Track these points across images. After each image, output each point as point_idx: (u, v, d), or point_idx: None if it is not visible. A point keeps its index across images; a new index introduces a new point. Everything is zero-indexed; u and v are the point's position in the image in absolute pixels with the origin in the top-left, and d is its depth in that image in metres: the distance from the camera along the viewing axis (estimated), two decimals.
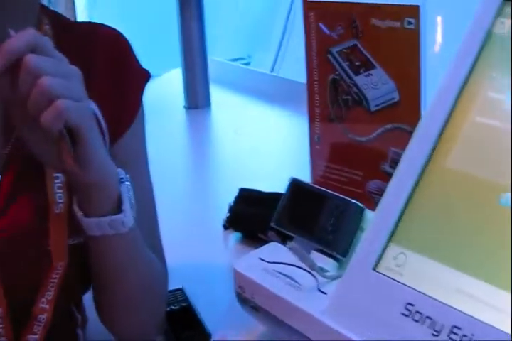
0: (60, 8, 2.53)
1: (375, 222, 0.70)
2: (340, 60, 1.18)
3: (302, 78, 2.10)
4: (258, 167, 1.59)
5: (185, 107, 2.10)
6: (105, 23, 0.92)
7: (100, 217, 0.75)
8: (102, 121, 0.82)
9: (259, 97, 2.15)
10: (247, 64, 3.63)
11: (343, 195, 0.81)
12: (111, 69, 0.89)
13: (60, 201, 0.80)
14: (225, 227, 1.24)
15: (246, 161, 1.65)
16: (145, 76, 0.93)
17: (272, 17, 3.64)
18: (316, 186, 0.83)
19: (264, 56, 3.65)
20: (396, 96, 1.13)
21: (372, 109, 1.17)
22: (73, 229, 0.80)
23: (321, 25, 1.21)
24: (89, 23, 0.92)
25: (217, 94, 2.14)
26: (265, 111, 2.03)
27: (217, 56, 2.52)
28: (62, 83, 0.66)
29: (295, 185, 0.83)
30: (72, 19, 0.93)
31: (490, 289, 0.62)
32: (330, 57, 1.19)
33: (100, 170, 0.73)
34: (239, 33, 3.82)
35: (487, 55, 0.71)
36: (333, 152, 1.26)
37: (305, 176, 1.28)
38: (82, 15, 2.68)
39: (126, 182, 0.77)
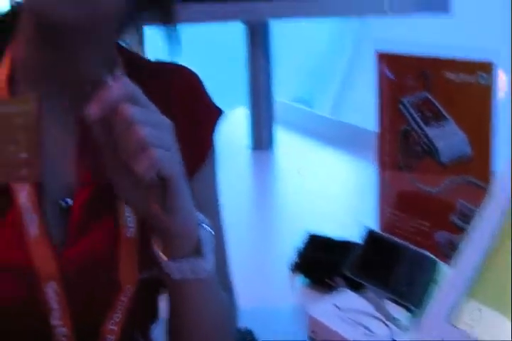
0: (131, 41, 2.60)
1: (452, 276, 0.72)
2: (411, 110, 1.21)
3: (363, 122, 2.14)
4: (322, 210, 1.61)
5: (249, 147, 2.14)
6: (177, 62, 0.94)
7: (181, 259, 0.77)
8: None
9: (322, 140, 2.18)
10: (308, 104, 3.67)
11: (410, 244, 0.83)
12: (185, 108, 0.91)
13: (131, 225, 0.83)
14: (292, 271, 1.26)
15: (309, 203, 1.68)
16: (217, 114, 0.94)
17: (334, 58, 3.68)
18: (391, 237, 0.85)
19: (325, 97, 3.69)
20: (467, 150, 1.14)
21: (443, 160, 1.18)
22: (145, 263, 0.82)
23: (392, 75, 1.24)
24: (163, 62, 0.94)
25: (280, 135, 2.17)
26: (328, 154, 2.06)
27: (279, 96, 2.57)
28: (155, 133, 0.69)
29: (371, 235, 0.85)
30: (144, 56, 0.97)
31: None
32: (401, 107, 1.22)
33: (186, 217, 0.75)
34: (301, 74, 3.87)
35: None
36: (401, 200, 1.27)
37: (371, 222, 1.30)
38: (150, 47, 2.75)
39: (205, 226, 0.78)
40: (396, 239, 0.84)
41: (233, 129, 2.25)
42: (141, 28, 0.90)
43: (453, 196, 1.18)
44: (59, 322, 0.80)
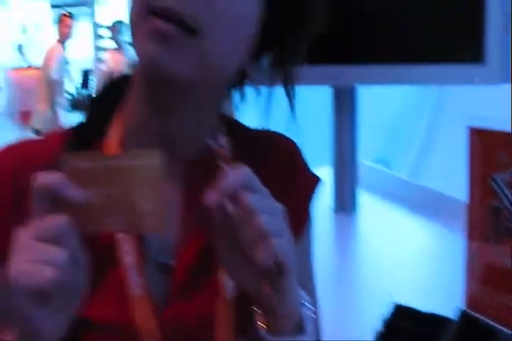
0: None
1: None
2: (503, 187, 1.22)
3: (443, 187, 2.15)
4: (402, 276, 1.62)
5: (332, 209, 2.16)
6: (278, 131, 0.97)
7: (282, 336, 0.78)
8: None
9: (403, 204, 2.20)
10: (388, 165, 3.69)
11: (498, 321, 0.84)
12: (284, 176, 0.93)
13: (230, 289, 0.84)
14: (379, 340, 1.28)
15: (390, 269, 1.69)
16: (315, 183, 0.96)
17: (413, 121, 3.70)
18: (486, 320, 0.86)
19: (404, 159, 3.71)
20: None
21: None
22: (241, 327, 0.84)
23: (484, 151, 1.25)
24: (262, 130, 0.96)
25: (362, 197, 2.19)
26: (408, 218, 2.07)
27: (360, 157, 2.60)
28: (272, 220, 0.72)
29: (465, 316, 0.86)
30: (242, 123, 0.99)
31: None
32: (493, 183, 1.23)
33: (292, 297, 0.77)
34: (380, 135, 3.90)
35: None
36: (489, 275, 1.28)
37: (456, 295, 1.31)
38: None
39: (307, 303, 0.80)
40: (491, 323, 0.85)
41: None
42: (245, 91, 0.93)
43: None
44: None
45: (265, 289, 0.75)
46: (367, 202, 2.21)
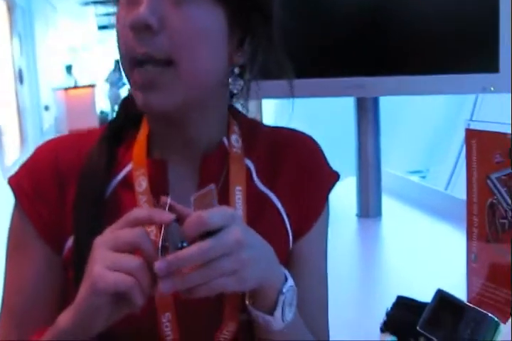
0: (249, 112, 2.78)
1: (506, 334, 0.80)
2: (498, 185, 1.29)
3: None
4: (418, 277, 1.68)
5: (357, 215, 2.24)
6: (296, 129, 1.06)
7: (258, 311, 0.88)
8: (287, 221, 0.98)
9: (431, 213, 2.25)
10: (424, 177, 3.73)
11: (497, 313, 0.91)
12: (301, 170, 1.02)
13: None
14: (382, 330, 1.35)
15: (409, 271, 1.75)
16: (334, 177, 1.05)
17: (452, 131, 3.73)
18: (459, 298, 0.94)
19: (441, 170, 3.74)
20: None
21: None
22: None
23: (481, 151, 1.33)
24: (279, 127, 1.06)
25: (389, 205, 2.26)
26: (434, 226, 2.13)
27: (395, 168, 2.65)
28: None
29: (441, 295, 0.94)
30: (260, 121, 1.09)
31: None
32: (489, 182, 1.31)
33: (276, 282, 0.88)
34: (418, 146, 3.94)
35: None
36: (488, 271, 1.34)
37: (461, 292, 1.37)
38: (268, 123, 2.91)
39: (286, 289, 0.88)
40: (462, 300, 0.93)
41: (345, 197, 2.35)
42: (248, 95, 1.03)
43: None
44: None
45: None
46: (394, 210, 2.28)
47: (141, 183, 0.95)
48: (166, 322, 0.92)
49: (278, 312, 0.88)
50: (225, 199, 0.96)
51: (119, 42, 0.90)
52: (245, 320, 0.93)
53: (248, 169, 1.00)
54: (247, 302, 0.89)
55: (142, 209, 0.83)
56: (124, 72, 0.91)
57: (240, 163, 0.99)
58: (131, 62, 0.88)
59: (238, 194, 0.97)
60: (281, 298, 0.87)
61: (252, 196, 0.98)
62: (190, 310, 0.92)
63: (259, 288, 0.85)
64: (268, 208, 0.99)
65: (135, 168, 0.97)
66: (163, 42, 0.86)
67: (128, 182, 0.97)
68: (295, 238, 1.01)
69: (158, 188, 0.95)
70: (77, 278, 0.84)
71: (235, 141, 1.00)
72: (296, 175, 1.01)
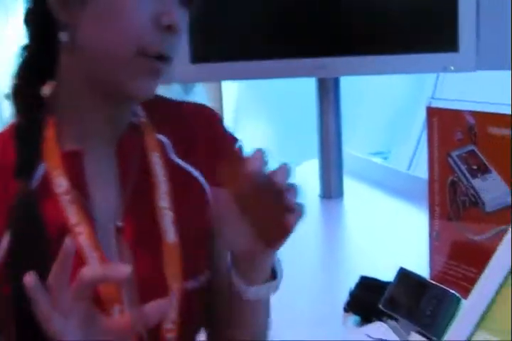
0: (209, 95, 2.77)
1: (466, 308, 0.80)
2: (459, 163, 1.29)
3: None
4: (381, 257, 1.68)
5: (319, 196, 2.23)
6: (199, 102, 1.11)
7: (261, 284, 0.92)
8: (207, 187, 1.00)
9: (393, 193, 2.25)
10: (386, 158, 3.73)
11: (460, 290, 0.91)
12: (210, 141, 1.04)
13: (171, 233, 0.96)
14: (345, 310, 1.35)
15: (372, 251, 1.75)
16: (235, 139, 1.08)
17: (413, 111, 3.73)
18: (420, 275, 0.94)
19: (403, 151, 3.75)
20: (509, 201, 1.21)
21: (487, 210, 1.26)
22: (190, 272, 0.95)
23: (442, 129, 1.33)
24: (184, 101, 1.10)
25: (351, 186, 2.26)
26: (396, 206, 2.13)
27: (356, 149, 2.65)
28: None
29: (402, 273, 0.94)
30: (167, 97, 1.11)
31: None
32: (450, 160, 1.30)
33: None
34: (380, 127, 3.94)
35: None
36: (450, 249, 1.35)
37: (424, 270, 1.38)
38: (229, 106, 2.90)
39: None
40: (424, 278, 0.93)
41: (307, 179, 2.35)
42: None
43: (497, 243, 1.24)
44: None
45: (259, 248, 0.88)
46: (356, 191, 2.28)
47: (61, 183, 0.94)
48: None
49: (280, 269, 0.94)
50: (145, 173, 0.97)
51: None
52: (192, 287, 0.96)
53: (162, 144, 1.01)
54: (241, 284, 0.92)
55: (94, 268, 0.81)
56: (119, 58, 0.91)
57: (152, 136, 1.00)
58: (143, 53, 0.91)
59: (157, 163, 0.98)
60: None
61: (173, 172, 1.00)
62: (136, 294, 0.92)
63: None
64: (190, 183, 1.01)
65: (50, 167, 0.94)
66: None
67: (45, 185, 0.94)
68: None
69: (78, 180, 0.95)
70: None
71: (142, 117, 1.02)
72: (207, 146, 1.04)
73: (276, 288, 0.94)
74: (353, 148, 2.63)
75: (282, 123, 2.99)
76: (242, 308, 0.96)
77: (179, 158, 1.02)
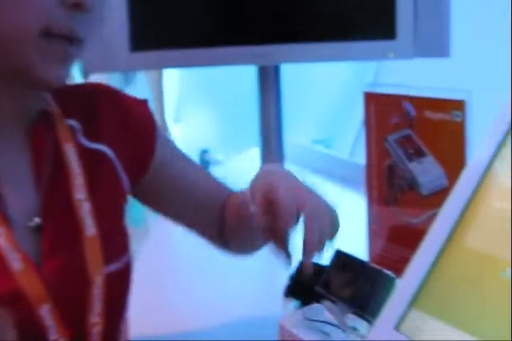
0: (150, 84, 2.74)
1: (400, 287, 0.81)
2: (395, 147, 1.30)
3: None
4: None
5: None
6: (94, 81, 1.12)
7: None
8: (121, 171, 1.01)
9: (335, 180, 2.27)
10: (329, 146, 3.75)
11: (398, 272, 0.92)
12: (116, 114, 1.05)
13: (90, 226, 0.95)
14: (286, 295, 1.35)
15: None
16: (143, 103, 1.10)
17: (355, 98, 3.75)
18: (356, 257, 0.95)
19: (345, 138, 3.78)
20: (445, 183, 1.23)
21: (424, 193, 1.28)
22: (109, 258, 0.96)
23: (379, 114, 1.34)
24: (82, 83, 1.13)
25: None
26: (337, 192, 2.15)
27: (299, 137, 2.66)
28: None
29: (339, 255, 0.95)
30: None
31: None
32: (386, 144, 1.32)
33: None
34: (322, 115, 3.96)
35: (507, 148, 0.82)
36: (387, 232, 1.36)
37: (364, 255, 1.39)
38: (170, 94, 2.88)
39: None
40: (360, 259, 0.94)
41: (247, 168, 2.34)
42: None
43: None
44: (56, 335, 0.90)
45: None
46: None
47: None
48: (45, 314, 0.90)
49: None
50: (60, 166, 0.96)
51: (22, 4, 0.85)
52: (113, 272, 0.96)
53: (73, 129, 1.00)
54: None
55: None
56: (22, 39, 0.87)
57: (62, 124, 0.99)
58: (48, 33, 0.86)
59: (71, 154, 0.97)
60: None
61: (85, 158, 0.99)
62: (61, 292, 0.92)
63: None
64: (103, 165, 1.01)
65: None
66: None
67: None
68: (136, 178, 1.07)
69: None
70: None
71: (52, 105, 1.00)
72: (114, 121, 1.04)
73: None
74: (296, 136, 2.64)
75: (225, 111, 2.98)
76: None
77: (90, 140, 1.01)
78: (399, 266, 1.31)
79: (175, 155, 1.17)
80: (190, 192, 1.17)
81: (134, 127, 1.07)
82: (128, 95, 1.10)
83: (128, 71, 2.56)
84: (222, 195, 1.20)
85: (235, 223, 1.15)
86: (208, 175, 1.23)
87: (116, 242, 1.00)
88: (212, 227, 1.20)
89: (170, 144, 1.16)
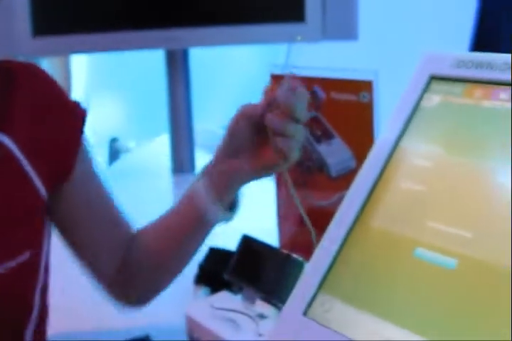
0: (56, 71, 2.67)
1: (307, 271, 0.79)
2: None
3: None
4: (230, 228, 1.67)
5: (171, 171, 2.20)
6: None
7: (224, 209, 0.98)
8: (31, 169, 0.90)
9: None
10: None
11: (308, 255, 0.90)
12: (38, 105, 0.92)
13: None
14: (196, 282, 1.33)
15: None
16: (80, 109, 0.97)
17: (264, 81, 3.74)
18: (263, 242, 0.92)
19: None
20: (353, 164, 1.22)
21: (333, 175, 1.26)
22: (7, 252, 0.88)
23: None
24: (9, 60, 0.95)
25: (204, 161, 2.23)
26: None
27: (209, 123, 2.63)
28: None
29: (246, 241, 0.92)
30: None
31: (405, 333, 0.71)
32: None
33: None
34: (231, 100, 3.94)
35: (414, 126, 0.81)
36: (297, 216, 1.34)
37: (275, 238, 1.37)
38: (79, 81, 2.81)
39: None
40: (267, 244, 0.91)
41: (159, 154, 2.31)
42: None
43: None
44: None
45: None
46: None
47: None
48: None
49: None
50: None
51: None
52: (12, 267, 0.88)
53: None
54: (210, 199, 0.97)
55: None
56: None
57: None
58: None
59: None
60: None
61: None
62: None
63: None
64: (3, 158, 0.89)
65: None
66: None
67: None
68: (54, 184, 0.94)
69: None
70: None
71: None
72: (34, 111, 0.91)
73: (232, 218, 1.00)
74: (206, 122, 2.61)
75: (134, 98, 2.93)
76: (196, 226, 1.00)
77: None
78: (310, 250, 1.31)
79: (95, 171, 1.04)
80: (102, 213, 1.05)
81: (57, 123, 0.94)
82: (61, 88, 0.97)
83: (31, 57, 2.48)
84: (128, 224, 1.10)
85: (162, 246, 1.07)
86: (116, 201, 1.11)
87: (13, 239, 0.90)
88: (114, 259, 1.06)
89: (91, 157, 1.03)
